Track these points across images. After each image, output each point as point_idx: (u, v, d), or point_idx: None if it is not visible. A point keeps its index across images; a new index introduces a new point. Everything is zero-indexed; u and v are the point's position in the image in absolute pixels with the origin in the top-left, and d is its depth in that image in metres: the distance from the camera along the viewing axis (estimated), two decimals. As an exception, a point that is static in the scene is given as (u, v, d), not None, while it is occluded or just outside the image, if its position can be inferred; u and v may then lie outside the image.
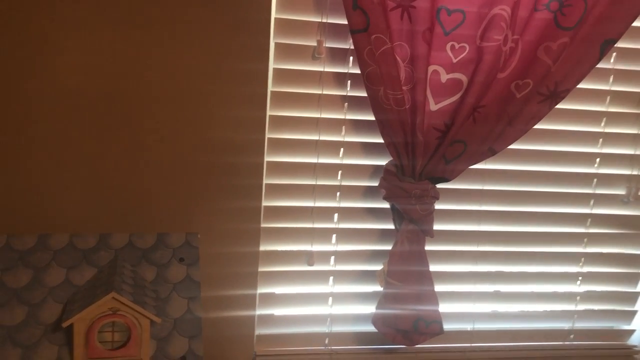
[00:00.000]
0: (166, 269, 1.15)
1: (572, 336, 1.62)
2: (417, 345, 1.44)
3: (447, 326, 1.48)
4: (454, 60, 1.34)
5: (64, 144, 1.26)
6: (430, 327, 1.41)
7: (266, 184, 1.40)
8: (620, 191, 1.58)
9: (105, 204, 1.30)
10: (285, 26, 1.35)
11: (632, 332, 1.66)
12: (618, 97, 1.54)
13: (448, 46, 1.33)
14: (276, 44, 1.36)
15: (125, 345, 1.01)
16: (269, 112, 1.37)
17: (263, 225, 1.41)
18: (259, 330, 1.47)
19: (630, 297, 1.65)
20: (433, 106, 1.35)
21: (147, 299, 1.05)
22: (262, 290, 1.45)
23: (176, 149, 1.31)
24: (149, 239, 1.18)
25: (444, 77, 1.35)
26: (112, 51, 1.24)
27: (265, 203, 1.41)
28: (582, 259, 1.60)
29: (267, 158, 1.40)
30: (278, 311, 1.48)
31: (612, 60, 1.52)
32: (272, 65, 1.36)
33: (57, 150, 1.26)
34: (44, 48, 1.21)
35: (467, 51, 1.33)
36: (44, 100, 1.23)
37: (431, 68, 1.34)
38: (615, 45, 1.36)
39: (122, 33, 1.24)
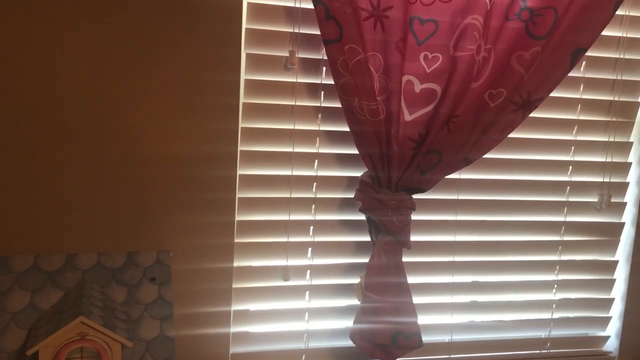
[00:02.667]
0: (137, 290, 1.11)
1: (548, 344, 1.62)
2: (395, 359, 1.42)
3: (425, 338, 1.46)
4: (428, 70, 1.33)
5: (25, 160, 1.20)
6: (410, 340, 1.39)
7: (239, 198, 1.37)
8: (593, 198, 1.60)
9: (70, 223, 1.24)
10: (257, 37, 1.33)
11: (606, 338, 1.68)
12: (588, 105, 1.56)
13: (421, 56, 1.33)
14: (247, 55, 1.33)
15: (95, 371, 0.96)
16: (241, 124, 1.34)
17: (236, 240, 1.38)
18: (234, 349, 1.42)
19: (605, 304, 1.66)
20: (407, 116, 1.34)
21: (118, 322, 1.00)
22: (236, 307, 1.41)
23: (145, 163, 1.27)
24: (118, 258, 1.14)
25: (418, 87, 1.34)
26: (79, 62, 1.20)
27: (238, 217, 1.38)
28: (557, 267, 1.60)
29: (240, 171, 1.36)
30: (253, 328, 1.44)
31: (582, 68, 1.53)
32: (243, 76, 1.33)
33: (18, 166, 1.20)
34: (7, 56, 1.16)
35: (440, 61, 1.33)
36: (5, 112, 1.17)
37: (405, 78, 1.33)
38: (586, 54, 1.38)
39: (90, 44, 1.20)
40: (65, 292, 1.07)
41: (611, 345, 1.68)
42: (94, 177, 1.24)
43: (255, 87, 1.35)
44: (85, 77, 1.21)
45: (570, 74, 1.39)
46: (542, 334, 1.62)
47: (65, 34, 1.18)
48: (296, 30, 1.34)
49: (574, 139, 1.56)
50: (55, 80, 1.19)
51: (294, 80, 1.36)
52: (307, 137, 1.39)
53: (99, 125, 1.23)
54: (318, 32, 1.26)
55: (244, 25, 1.31)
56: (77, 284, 1.08)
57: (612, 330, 1.68)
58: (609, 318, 1.67)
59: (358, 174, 1.41)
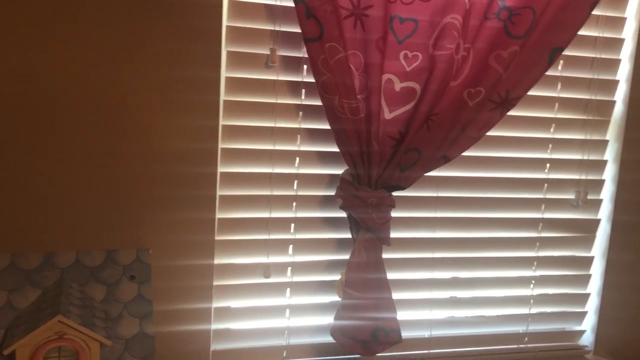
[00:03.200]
0: (116, 288, 1.11)
1: (526, 339, 1.65)
2: (375, 355, 1.43)
3: (405, 334, 1.47)
4: (408, 69, 1.34)
5: (2, 157, 1.19)
6: (389, 336, 1.40)
7: (220, 195, 1.37)
8: (570, 195, 1.62)
9: (49, 221, 1.23)
10: (237, 34, 1.33)
11: (582, 332, 1.71)
12: (566, 104, 1.58)
13: (401, 55, 1.34)
14: (228, 52, 1.33)
15: (73, 370, 0.96)
16: (221, 122, 1.34)
17: (217, 237, 1.38)
18: (215, 346, 1.43)
19: (581, 299, 1.69)
20: (388, 115, 1.35)
21: (97, 321, 1.00)
22: (217, 304, 1.41)
23: (125, 160, 1.26)
24: (97, 256, 1.14)
25: (398, 85, 1.35)
26: (54, 58, 1.19)
27: (219, 215, 1.38)
28: (535, 263, 1.63)
29: (221, 169, 1.36)
30: (234, 325, 1.44)
31: (559, 67, 1.55)
32: (224, 73, 1.33)
33: (-4, 165, 1.19)
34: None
35: (420, 60, 1.34)
36: (-18, 112, 1.16)
37: (385, 77, 1.34)
38: (563, 53, 1.40)
39: (65, 40, 1.19)
40: (43, 291, 1.07)
41: (587, 339, 1.71)
42: (73, 174, 1.24)
43: (236, 85, 1.35)
44: (65, 74, 1.20)
45: (547, 73, 1.41)
46: (520, 328, 1.65)
47: (47, 31, 1.17)
48: (277, 28, 1.34)
49: (552, 137, 1.59)
50: (32, 77, 1.18)
51: (275, 78, 1.36)
52: (288, 134, 1.40)
53: (78, 122, 1.22)
54: (299, 30, 1.26)
55: (225, 23, 1.31)
56: (55, 283, 1.08)
57: (588, 325, 1.71)
58: (585, 313, 1.70)
59: (339, 171, 1.41)
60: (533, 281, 1.64)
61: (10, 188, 1.20)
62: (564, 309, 1.68)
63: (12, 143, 1.19)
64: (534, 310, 1.65)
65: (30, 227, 1.22)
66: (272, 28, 1.34)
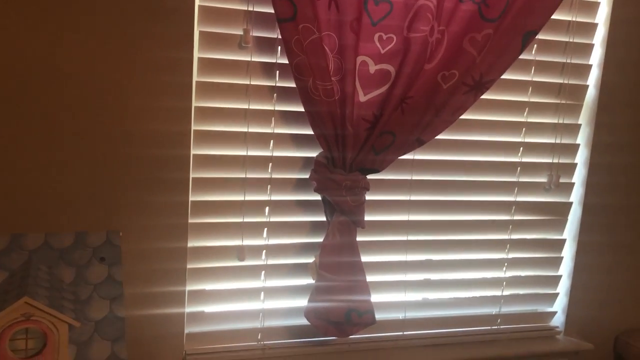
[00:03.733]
0: (86, 270, 1.09)
1: (499, 320, 1.67)
2: (349, 336, 1.44)
3: (379, 316, 1.48)
4: (382, 51, 1.34)
5: (-30, 139, 1.17)
6: (363, 317, 1.41)
7: (193, 178, 1.36)
8: (542, 179, 1.64)
9: (17, 202, 1.21)
10: (210, 14, 1.31)
11: (554, 314, 1.73)
12: (539, 88, 1.59)
13: (376, 37, 1.33)
14: (200, 32, 1.31)
15: (41, 352, 0.95)
16: (194, 103, 1.33)
17: (191, 220, 1.37)
18: (189, 329, 1.42)
19: (553, 281, 1.71)
20: (362, 97, 1.35)
21: (65, 302, 0.99)
22: (191, 287, 1.40)
23: (94, 142, 1.25)
24: (66, 238, 1.12)
25: (372, 68, 1.35)
26: (22, 38, 1.16)
27: (192, 198, 1.37)
28: (508, 246, 1.65)
29: (194, 151, 1.35)
30: (208, 308, 1.44)
31: (533, 51, 1.56)
32: (197, 54, 1.31)
33: (-38, 146, 1.17)
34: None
35: (394, 42, 1.34)
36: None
37: (360, 59, 1.33)
38: (537, 37, 1.40)
39: (33, 18, 1.16)
40: (10, 273, 1.05)
41: (558, 320, 1.74)
42: (42, 155, 1.22)
43: (209, 66, 1.33)
44: (37, 54, 1.17)
45: (521, 57, 1.42)
46: (492, 310, 1.67)
47: (18, 11, 1.15)
48: (250, 9, 1.32)
49: (525, 120, 1.60)
50: (3, 55, 1.15)
51: (249, 59, 1.35)
52: (262, 117, 1.39)
53: (48, 103, 1.20)
54: (272, 11, 1.25)
55: (197, 3, 1.29)
56: (22, 265, 1.06)
57: (559, 306, 1.73)
58: (557, 294, 1.72)
59: (313, 154, 1.41)
60: (506, 263, 1.66)
61: (-24, 169, 1.18)
62: (536, 291, 1.70)
63: (-22, 123, 1.17)
64: (507, 292, 1.67)
65: (-2, 208, 1.20)
66: (245, 8, 1.32)
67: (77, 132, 1.23)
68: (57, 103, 1.21)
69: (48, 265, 1.08)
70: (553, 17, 1.41)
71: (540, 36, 1.44)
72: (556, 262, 1.71)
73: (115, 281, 1.09)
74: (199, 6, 1.29)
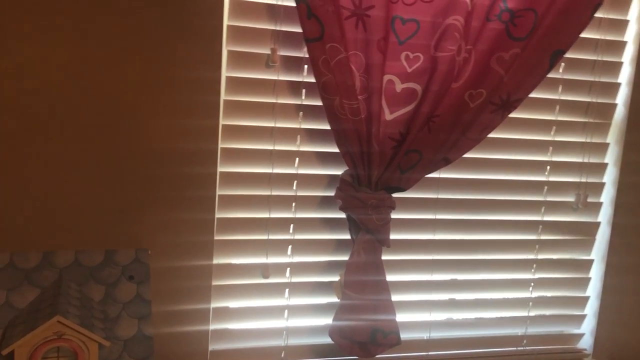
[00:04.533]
0: (115, 288, 1.10)
1: (525, 341, 1.65)
2: (374, 356, 1.43)
3: (404, 335, 1.47)
4: (409, 70, 1.34)
5: (1, 156, 1.18)
6: (388, 338, 1.40)
7: (219, 195, 1.37)
8: (570, 198, 1.62)
9: (48, 220, 1.23)
10: (238, 34, 1.32)
11: (581, 336, 1.70)
12: (566, 107, 1.58)
13: (403, 56, 1.33)
14: (229, 52, 1.32)
15: (71, 370, 0.96)
16: (221, 122, 1.34)
17: (216, 237, 1.37)
18: (213, 346, 1.42)
19: (580, 302, 1.68)
20: (388, 116, 1.35)
21: (95, 321, 1.00)
22: (215, 304, 1.40)
23: (124, 160, 1.26)
24: (96, 256, 1.13)
25: (399, 86, 1.35)
26: (55, 58, 1.18)
27: (218, 215, 1.37)
28: (534, 265, 1.62)
29: (220, 168, 1.36)
30: (232, 325, 1.44)
31: (560, 70, 1.55)
32: (224, 73, 1.32)
33: (-5, 163, 1.18)
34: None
35: (421, 61, 1.34)
36: (-20, 109, 1.16)
37: (386, 77, 1.33)
38: (564, 56, 1.39)
39: (67, 39, 1.18)
40: (41, 291, 1.06)
41: (586, 342, 1.70)
42: (72, 173, 1.23)
43: (237, 85, 1.34)
44: (65, 74, 1.19)
45: (548, 75, 1.40)
46: (518, 331, 1.65)
47: (47, 28, 1.17)
48: (278, 28, 1.33)
49: (552, 139, 1.58)
50: (32, 76, 1.18)
51: (276, 78, 1.36)
52: (288, 135, 1.39)
53: (77, 122, 1.22)
54: (300, 30, 1.26)
55: (226, 22, 1.30)
56: (54, 282, 1.07)
57: (587, 328, 1.70)
58: (584, 316, 1.69)
59: (339, 172, 1.41)
60: (532, 284, 1.63)
61: (10, 187, 1.20)
62: (563, 312, 1.68)
63: (12, 142, 1.18)
64: (533, 312, 1.65)
65: (30, 226, 1.21)
66: (273, 28, 1.33)
67: (107, 151, 1.24)
68: (86, 122, 1.22)
69: (78, 283, 1.09)
70: (581, 35, 1.39)
71: (568, 54, 1.43)
72: (584, 282, 1.68)
73: (144, 300, 1.10)
74: (228, 26, 1.31)
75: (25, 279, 1.07)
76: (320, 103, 1.32)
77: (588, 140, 1.60)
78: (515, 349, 1.64)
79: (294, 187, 1.42)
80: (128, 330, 1.06)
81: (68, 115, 1.21)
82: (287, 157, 1.40)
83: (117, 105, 1.24)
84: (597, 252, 1.67)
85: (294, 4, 1.24)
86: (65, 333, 0.93)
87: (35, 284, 1.07)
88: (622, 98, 1.61)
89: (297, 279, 1.45)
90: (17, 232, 1.21)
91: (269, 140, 1.38)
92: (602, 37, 1.55)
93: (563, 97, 1.57)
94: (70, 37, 1.19)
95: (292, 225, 1.43)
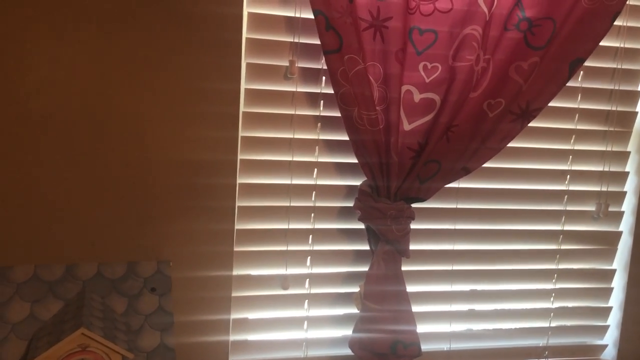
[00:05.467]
0: (137, 300, 1.11)
1: (546, 353, 1.63)
2: (394, 368, 1.42)
3: (424, 347, 1.46)
4: (427, 80, 1.34)
5: (25, 169, 1.20)
6: (409, 349, 1.39)
7: (238, 206, 1.37)
8: (590, 207, 1.60)
9: (71, 232, 1.24)
10: (257, 46, 1.33)
11: (604, 347, 1.68)
12: (586, 115, 1.56)
13: (421, 66, 1.33)
14: (248, 64, 1.33)
15: (95, 382, 0.96)
16: (241, 133, 1.35)
17: (236, 248, 1.38)
18: (233, 357, 1.42)
19: (603, 312, 1.66)
20: (407, 126, 1.35)
21: (118, 333, 1.00)
22: (235, 315, 1.41)
23: (145, 171, 1.27)
24: (118, 268, 1.14)
25: (417, 96, 1.35)
26: (79, 72, 1.20)
27: (237, 226, 1.38)
28: (555, 276, 1.61)
29: (240, 180, 1.36)
30: (252, 337, 1.44)
31: (580, 78, 1.54)
32: (243, 85, 1.33)
33: (17, 176, 1.20)
34: (7, 69, 1.15)
35: (439, 71, 1.34)
36: (6, 122, 1.17)
37: (404, 88, 1.33)
38: (583, 64, 1.38)
39: (90, 53, 1.20)
40: (65, 303, 1.07)
41: (609, 353, 1.68)
42: (94, 185, 1.24)
43: (255, 96, 1.35)
44: (85, 85, 1.21)
45: (567, 84, 1.40)
46: (540, 342, 1.63)
47: (68, 42, 1.18)
48: (296, 40, 1.34)
49: (572, 148, 1.57)
50: (54, 89, 1.19)
51: (294, 89, 1.36)
52: (307, 146, 1.40)
53: (99, 133, 1.23)
54: (318, 42, 1.26)
55: (245, 35, 1.31)
56: (77, 295, 1.08)
57: (610, 339, 1.68)
58: (607, 327, 1.67)
59: (357, 182, 1.41)
60: (553, 294, 1.62)
61: (34, 201, 1.21)
62: (585, 323, 1.65)
63: (35, 157, 1.20)
64: (555, 323, 1.63)
65: (53, 238, 1.23)
66: (291, 40, 1.34)
67: (127, 163, 1.26)
68: (107, 134, 1.24)
69: (101, 295, 1.09)
70: (600, 43, 1.38)
71: (587, 63, 1.42)
72: (606, 293, 1.66)
73: (166, 312, 1.10)
74: (247, 39, 1.32)
75: (49, 291, 1.08)
76: (338, 114, 1.32)
77: (608, 148, 1.59)
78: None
79: (313, 198, 1.42)
80: (150, 342, 1.06)
81: (89, 128, 1.22)
82: (305, 168, 1.40)
83: (137, 117, 1.25)
84: (619, 262, 1.65)
85: (312, 17, 1.25)
86: (89, 345, 0.94)
87: (59, 296, 1.08)
88: (642, 106, 1.60)
89: (316, 290, 1.45)
90: (41, 245, 1.22)
91: (288, 152, 1.39)
92: (622, 45, 1.54)
93: (582, 106, 1.56)
94: (93, 51, 1.20)
95: (311, 236, 1.43)
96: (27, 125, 1.19)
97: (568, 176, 1.58)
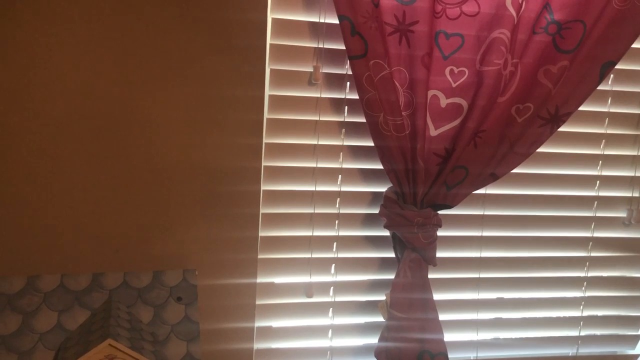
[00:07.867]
0: (163, 310, 1.10)
1: (576, 362, 1.60)
2: (421, 378, 1.40)
3: (451, 355, 1.43)
4: (454, 85, 1.32)
5: (51, 178, 1.20)
6: (436, 358, 1.37)
7: (263, 213, 1.36)
8: (621, 214, 1.57)
9: (97, 241, 1.24)
10: (281, 52, 1.32)
11: (636, 357, 1.64)
12: (616, 119, 1.53)
13: (447, 70, 1.31)
14: (272, 70, 1.32)
15: (122, 394, 0.95)
16: (265, 140, 1.33)
17: (260, 256, 1.37)
18: (257, 366, 1.41)
19: (634, 321, 1.62)
20: (433, 131, 1.33)
21: (145, 344, 0.99)
22: (259, 323, 1.39)
23: (169, 179, 1.26)
24: (144, 277, 1.13)
25: (444, 101, 1.32)
26: (103, 79, 1.20)
27: (262, 233, 1.36)
28: (584, 283, 1.57)
29: (264, 186, 1.35)
30: (276, 345, 1.42)
31: (610, 82, 1.50)
32: (267, 91, 1.32)
33: (43, 185, 1.20)
34: (32, 76, 1.16)
35: (466, 75, 1.31)
36: (30, 130, 1.17)
37: (430, 93, 1.31)
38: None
39: (114, 60, 1.20)
40: (92, 313, 1.06)
41: (640, 363, 1.65)
42: (119, 194, 1.24)
43: (280, 103, 1.34)
44: (109, 91, 1.21)
45: (597, 88, 1.36)
46: (569, 351, 1.59)
47: (92, 49, 1.18)
48: (320, 46, 1.33)
49: (602, 153, 1.54)
50: (78, 96, 1.19)
51: (318, 95, 1.35)
52: (331, 152, 1.38)
53: (124, 141, 1.23)
54: (342, 47, 1.25)
55: (269, 41, 1.30)
56: (103, 304, 1.07)
57: (641, 348, 1.64)
58: (638, 336, 1.63)
59: (382, 189, 1.39)
60: (583, 302, 1.58)
61: (59, 210, 1.21)
62: (616, 332, 1.62)
63: (57, 164, 1.20)
64: (584, 332, 1.59)
65: (79, 247, 1.23)
66: (315, 45, 1.32)
67: (152, 170, 1.25)
68: (131, 142, 1.23)
69: (127, 304, 1.09)
70: (632, 45, 1.35)
71: (617, 66, 1.39)
72: (637, 301, 1.62)
73: (192, 321, 1.09)
74: (271, 45, 1.31)
75: (75, 300, 1.08)
76: (362, 120, 1.30)
77: (639, 153, 1.55)
78: (566, 369, 1.59)
79: (337, 205, 1.40)
80: (177, 352, 1.05)
81: (114, 135, 1.22)
82: (329, 175, 1.39)
83: (161, 124, 1.24)
84: (651, 269, 1.62)
85: (336, 21, 1.23)
86: (116, 356, 0.93)
87: (85, 306, 1.07)
88: (674, 109, 1.56)
89: (340, 298, 1.43)
90: (67, 254, 1.22)
91: (312, 158, 1.37)
92: (654, 47, 1.51)
93: (613, 110, 1.52)
94: (117, 58, 1.20)
95: (335, 244, 1.42)
96: (49, 133, 1.19)
97: (598, 182, 1.55)
